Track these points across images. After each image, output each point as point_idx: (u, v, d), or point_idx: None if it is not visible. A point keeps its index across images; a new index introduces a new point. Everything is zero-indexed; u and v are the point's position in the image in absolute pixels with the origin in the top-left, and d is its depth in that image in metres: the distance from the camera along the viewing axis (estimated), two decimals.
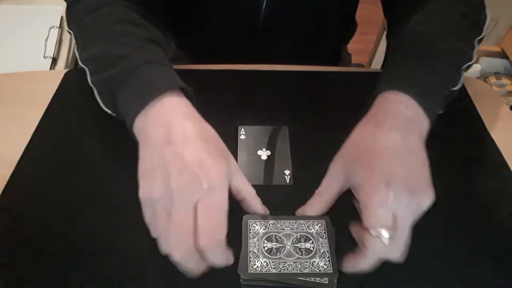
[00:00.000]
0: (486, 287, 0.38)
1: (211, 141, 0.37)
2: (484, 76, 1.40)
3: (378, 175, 0.35)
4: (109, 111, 0.44)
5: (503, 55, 1.40)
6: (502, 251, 0.41)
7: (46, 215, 0.42)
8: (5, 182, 0.44)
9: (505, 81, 1.37)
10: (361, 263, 0.35)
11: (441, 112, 0.44)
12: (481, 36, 0.49)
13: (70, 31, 0.50)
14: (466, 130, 0.45)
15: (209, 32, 0.68)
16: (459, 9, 0.48)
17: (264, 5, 0.61)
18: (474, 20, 0.49)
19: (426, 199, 0.34)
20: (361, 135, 0.40)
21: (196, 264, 0.33)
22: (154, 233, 0.34)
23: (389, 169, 0.35)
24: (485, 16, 0.50)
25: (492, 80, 1.38)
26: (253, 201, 0.39)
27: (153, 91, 0.38)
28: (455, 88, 0.46)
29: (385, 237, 0.33)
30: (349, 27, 0.76)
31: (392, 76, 0.43)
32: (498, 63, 1.42)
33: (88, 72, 0.45)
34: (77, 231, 0.41)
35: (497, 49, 1.41)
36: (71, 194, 0.44)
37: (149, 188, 0.33)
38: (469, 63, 0.47)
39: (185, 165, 0.33)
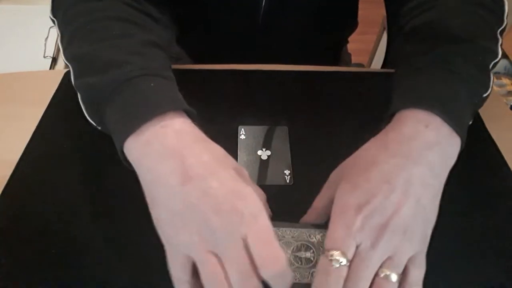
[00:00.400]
0: (487, 286, 0.38)
1: (228, 163, 0.33)
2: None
3: (356, 198, 0.30)
4: (94, 124, 0.38)
5: (503, 55, 1.40)
6: (502, 251, 0.40)
7: (46, 215, 0.42)
8: (5, 182, 0.44)
9: (505, 81, 1.37)
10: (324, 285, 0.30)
11: (470, 123, 0.37)
12: (503, 26, 0.42)
13: (53, 18, 0.43)
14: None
15: (208, 29, 0.68)
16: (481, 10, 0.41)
17: (264, 0, 0.61)
18: (492, 8, 0.42)
19: (398, 251, 0.29)
20: (364, 151, 0.36)
21: None
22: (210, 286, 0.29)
23: (371, 196, 0.30)
24: (503, 2, 0.43)
25: None
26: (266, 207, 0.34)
27: (150, 110, 0.32)
28: (485, 94, 0.39)
29: (339, 263, 0.28)
30: (349, 23, 0.75)
31: (408, 90, 0.36)
32: (498, 63, 1.42)
33: (72, 72, 0.38)
34: (77, 231, 0.40)
35: None
36: (71, 194, 0.44)
37: (182, 237, 0.29)
38: (496, 60, 0.40)
39: (218, 201, 0.29)
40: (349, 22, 0.75)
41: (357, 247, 0.29)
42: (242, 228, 0.28)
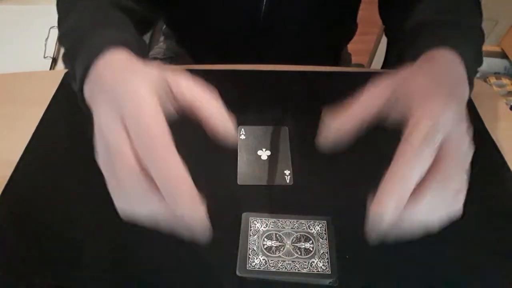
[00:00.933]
0: (487, 286, 0.38)
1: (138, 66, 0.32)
2: (484, 76, 1.40)
3: (436, 98, 0.29)
4: (74, 88, 0.39)
5: (503, 55, 1.40)
6: (502, 251, 0.40)
7: (46, 215, 0.42)
8: (5, 182, 0.44)
9: (505, 81, 1.38)
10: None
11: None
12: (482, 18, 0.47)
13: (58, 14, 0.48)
14: None
15: (208, 28, 0.68)
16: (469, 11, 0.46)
17: (264, 1, 0.61)
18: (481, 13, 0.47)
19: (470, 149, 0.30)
20: (413, 72, 0.34)
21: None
22: (110, 180, 0.29)
23: (448, 98, 0.30)
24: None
25: (492, 80, 1.38)
26: (207, 105, 0.32)
27: (93, 55, 0.34)
28: (479, 68, 0.43)
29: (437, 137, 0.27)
30: (349, 25, 0.75)
31: (441, 37, 0.37)
32: (498, 63, 1.43)
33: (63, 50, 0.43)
34: (77, 231, 0.41)
35: (497, 49, 1.41)
36: (71, 194, 0.44)
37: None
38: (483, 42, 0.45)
39: (104, 92, 0.30)
40: (349, 25, 0.75)
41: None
42: (116, 109, 0.28)
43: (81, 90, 0.35)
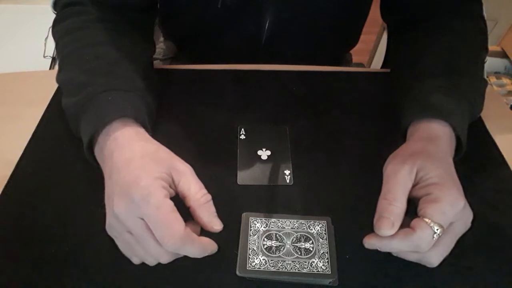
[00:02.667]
0: (486, 286, 0.38)
1: (149, 155, 0.36)
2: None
3: (452, 182, 0.36)
4: (77, 136, 0.44)
5: (503, 55, 1.40)
6: (501, 251, 0.40)
7: (46, 215, 0.42)
8: (5, 182, 0.44)
9: (505, 81, 1.38)
10: (396, 243, 0.34)
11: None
12: (486, 58, 0.52)
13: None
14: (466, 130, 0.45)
15: (210, 48, 0.68)
16: (473, 35, 0.51)
17: (267, 24, 0.61)
18: (483, 44, 0.52)
19: (469, 226, 0.36)
20: (417, 146, 0.40)
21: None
22: (134, 259, 0.36)
23: (458, 182, 0.37)
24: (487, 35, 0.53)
25: (492, 80, 1.38)
26: (199, 210, 0.35)
27: (100, 122, 0.39)
28: (479, 115, 0.49)
29: (437, 233, 0.33)
30: (350, 42, 0.76)
31: (431, 105, 0.43)
32: (498, 63, 1.42)
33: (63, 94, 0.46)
34: (76, 231, 0.41)
35: (497, 49, 1.41)
36: (71, 194, 0.44)
37: (107, 220, 0.35)
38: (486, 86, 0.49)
39: (121, 188, 0.34)
40: (352, 39, 0.75)
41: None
42: (136, 212, 0.33)
43: (88, 149, 0.40)
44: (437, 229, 0.33)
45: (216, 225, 0.35)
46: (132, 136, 0.39)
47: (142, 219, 0.33)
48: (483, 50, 0.51)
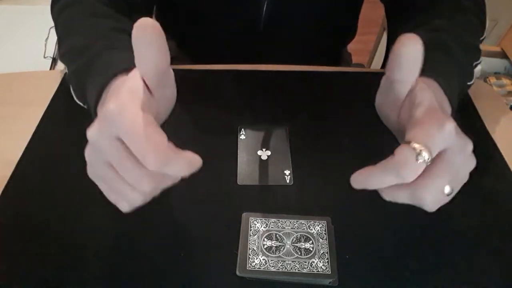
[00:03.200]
0: (487, 286, 0.38)
1: (126, 89, 0.31)
2: (484, 76, 1.40)
3: (441, 109, 0.32)
4: (81, 104, 0.43)
5: (503, 55, 1.40)
6: (501, 251, 0.41)
7: (46, 215, 0.42)
8: (5, 182, 0.44)
9: (505, 81, 1.38)
10: (378, 173, 0.29)
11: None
12: (483, 37, 0.50)
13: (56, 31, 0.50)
14: (466, 130, 0.45)
15: (209, 34, 0.68)
16: (471, 8, 0.50)
17: (265, 6, 0.61)
18: (482, 19, 0.50)
19: (472, 164, 0.33)
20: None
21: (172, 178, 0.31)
22: (120, 203, 0.31)
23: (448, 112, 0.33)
24: (486, 17, 0.51)
25: (492, 80, 1.38)
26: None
27: (106, 77, 0.36)
28: (469, 83, 0.46)
29: (422, 156, 0.28)
30: (350, 29, 0.76)
31: (431, 66, 0.38)
32: (498, 63, 1.42)
33: (66, 67, 0.45)
34: (76, 231, 0.41)
35: (497, 49, 1.41)
36: (71, 194, 0.44)
37: (85, 153, 0.31)
38: (478, 62, 0.48)
39: (99, 112, 0.32)
40: (349, 29, 0.75)
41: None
42: (111, 129, 0.28)
43: (95, 112, 0.37)
44: (420, 150, 0.28)
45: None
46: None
47: (118, 138, 0.28)
48: (480, 23, 0.50)
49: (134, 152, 0.27)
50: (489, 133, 0.52)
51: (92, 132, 0.29)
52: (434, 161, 0.29)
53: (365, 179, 0.31)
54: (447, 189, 0.30)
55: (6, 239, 0.40)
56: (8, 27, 0.89)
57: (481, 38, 0.50)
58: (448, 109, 0.37)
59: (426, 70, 0.35)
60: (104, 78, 0.36)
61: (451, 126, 0.29)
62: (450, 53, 0.42)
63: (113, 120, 0.28)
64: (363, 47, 1.19)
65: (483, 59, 0.51)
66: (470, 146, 0.31)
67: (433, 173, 0.29)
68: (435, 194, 0.30)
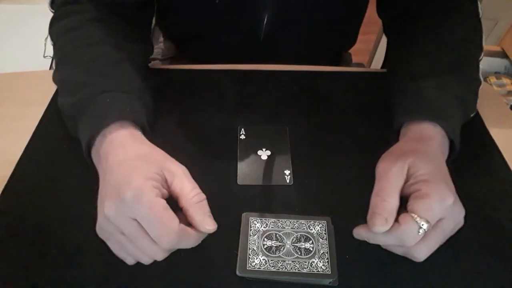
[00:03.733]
0: (486, 287, 0.38)
1: (143, 156, 0.36)
2: (484, 76, 1.40)
3: (442, 179, 0.36)
4: (74, 135, 0.44)
5: (503, 55, 1.40)
6: (502, 251, 0.40)
7: (46, 215, 0.42)
8: (5, 182, 0.44)
9: (505, 81, 1.37)
10: (382, 236, 0.34)
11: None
12: (481, 57, 0.51)
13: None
14: (466, 130, 0.45)
15: (209, 43, 0.68)
16: (467, 34, 0.51)
17: (265, 20, 0.61)
18: (478, 43, 0.51)
19: (461, 225, 0.36)
20: (408, 145, 0.40)
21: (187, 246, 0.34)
22: (128, 259, 0.35)
23: (449, 180, 0.36)
24: (482, 34, 0.53)
25: (492, 80, 1.38)
26: (192, 209, 0.34)
27: (99, 124, 0.39)
28: (472, 115, 0.49)
29: (423, 228, 0.33)
30: (350, 39, 0.76)
31: (422, 106, 0.44)
32: (498, 63, 1.42)
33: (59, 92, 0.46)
34: (76, 231, 0.41)
35: (497, 49, 1.41)
36: (71, 194, 0.44)
37: (98, 221, 0.35)
38: (480, 58, 0.50)
39: (112, 188, 0.34)
40: (350, 37, 0.76)
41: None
42: (127, 212, 0.32)
43: (87, 151, 0.40)
44: (422, 224, 0.33)
45: (209, 224, 0.34)
46: (127, 138, 0.39)
47: (135, 219, 0.32)
48: (478, 49, 0.51)
49: (150, 234, 0.32)
50: (489, 133, 0.52)
51: (109, 212, 0.33)
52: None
53: (368, 236, 0.35)
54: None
55: (6, 239, 0.40)
56: (8, 27, 0.89)
57: (480, 59, 0.51)
58: (446, 154, 0.42)
59: (432, 116, 0.42)
60: (96, 126, 0.39)
61: (450, 200, 0.34)
62: (453, 93, 0.45)
63: (132, 207, 0.32)
64: (363, 47, 1.19)
65: (483, 59, 0.51)
66: (463, 213, 0.36)
67: (427, 239, 0.34)
68: (427, 253, 0.35)
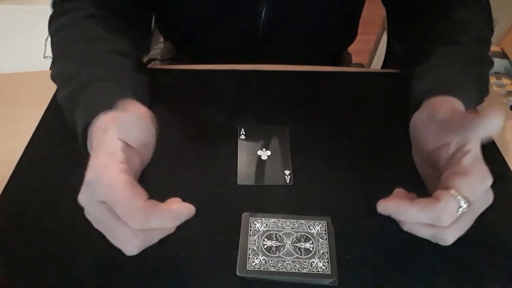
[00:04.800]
0: (486, 286, 0.38)
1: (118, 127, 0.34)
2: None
3: (484, 165, 0.33)
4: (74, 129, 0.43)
5: (503, 55, 1.40)
6: (501, 251, 0.40)
7: (46, 215, 0.42)
8: (5, 182, 0.44)
9: (505, 81, 1.38)
10: (415, 211, 0.32)
11: None
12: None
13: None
14: None
15: (207, 40, 0.68)
16: (483, 18, 0.51)
17: (263, 14, 0.61)
18: (489, 25, 0.51)
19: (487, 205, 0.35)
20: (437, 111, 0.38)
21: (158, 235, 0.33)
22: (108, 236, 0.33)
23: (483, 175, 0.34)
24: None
25: (492, 80, 1.38)
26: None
27: (89, 115, 0.37)
28: (485, 98, 0.47)
29: (463, 207, 0.31)
30: (349, 35, 0.76)
31: (444, 82, 0.42)
32: (498, 63, 1.43)
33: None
34: (76, 231, 0.40)
35: (497, 49, 1.41)
36: (71, 194, 0.44)
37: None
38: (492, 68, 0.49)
39: (86, 173, 0.32)
40: (349, 35, 0.76)
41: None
42: (94, 195, 0.30)
43: (83, 145, 0.38)
44: (463, 203, 0.31)
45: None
46: (112, 121, 0.36)
47: (103, 202, 0.30)
48: (489, 29, 0.50)
49: (118, 214, 0.30)
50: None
51: (81, 198, 0.31)
52: None
53: (396, 209, 0.33)
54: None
55: (6, 239, 0.40)
56: (8, 27, 0.89)
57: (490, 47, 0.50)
58: None
59: (455, 91, 0.39)
60: (87, 117, 0.37)
61: (490, 181, 0.32)
62: (474, 72, 0.44)
63: (95, 189, 0.30)
64: (363, 47, 1.19)
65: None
66: (491, 198, 0.34)
67: (461, 220, 0.32)
68: (456, 237, 0.33)
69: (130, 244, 0.32)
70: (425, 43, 0.49)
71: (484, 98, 0.46)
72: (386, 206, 0.33)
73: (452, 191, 0.31)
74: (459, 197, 0.31)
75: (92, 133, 0.36)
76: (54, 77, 0.46)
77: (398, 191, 0.34)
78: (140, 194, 0.30)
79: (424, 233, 0.33)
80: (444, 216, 0.31)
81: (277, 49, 0.67)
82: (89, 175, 0.31)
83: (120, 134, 0.33)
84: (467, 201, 0.31)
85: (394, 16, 0.62)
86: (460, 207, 0.31)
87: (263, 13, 0.61)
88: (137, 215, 0.29)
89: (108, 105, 0.37)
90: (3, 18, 0.91)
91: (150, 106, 0.48)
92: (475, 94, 0.43)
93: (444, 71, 0.43)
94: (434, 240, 0.33)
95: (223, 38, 0.66)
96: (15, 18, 0.91)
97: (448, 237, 0.32)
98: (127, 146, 0.33)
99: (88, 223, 0.41)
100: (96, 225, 0.33)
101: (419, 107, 0.40)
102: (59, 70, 0.45)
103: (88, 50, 0.45)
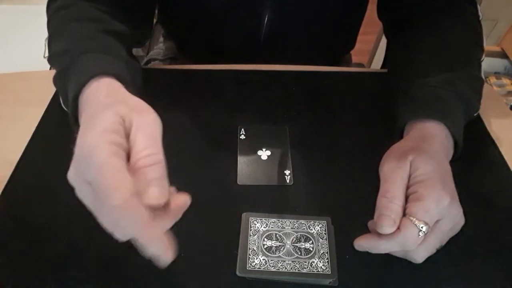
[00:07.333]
0: (486, 286, 0.38)
1: (108, 105, 0.31)
2: (484, 76, 1.40)
3: (439, 179, 0.35)
4: (67, 110, 0.41)
5: (503, 55, 1.40)
6: (501, 251, 0.40)
7: (46, 215, 0.42)
8: (5, 182, 0.44)
9: (505, 81, 1.38)
10: (384, 244, 0.34)
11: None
12: (483, 58, 0.51)
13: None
14: (466, 130, 0.45)
15: (210, 44, 0.68)
16: (468, 34, 0.51)
17: (265, 20, 0.61)
18: (479, 43, 0.51)
19: (461, 224, 0.36)
20: (410, 144, 0.40)
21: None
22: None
23: (448, 180, 0.36)
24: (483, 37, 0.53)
25: (492, 80, 1.38)
26: (137, 174, 0.28)
27: (79, 83, 0.36)
28: (476, 114, 0.49)
29: (423, 231, 0.33)
30: (349, 41, 0.76)
31: (425, 105, 0.44)
32: (498, 63, 1.43)
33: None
34: (77, 231, 0.41)
35: (497, 49, 1.41)
36: (71, 194, 0.44)
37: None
38: (482, 59, 0.50)
39: (76, 147, 0.30)
40: (349, 40, 0.76)
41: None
42: (82, 175, 0.29)
43: (73, 116, 0.37)
44: (422, 227, 0.33)
45: (152, 195, 0.27)
46: (102, 88, 0.35)
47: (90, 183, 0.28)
48: (478, 48, 0.51)
49: (100, 199, 0.27)
50: (489, 133, 0.52)
51: (69, 175, 0.30)
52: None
53: (371, 247, 0.35)
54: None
55: (6, 239, 0.40)
56: (8, 27, 0.89)
57: (482, 59, 0.51)
58: (450, 154, 0.41)
59: (436, 114, 0.41)
60: (77, 85, 0.36)
61: (446, 201, 0.34)
62: (457, 92, 0.45)
63: (84, 168, 0.28)
64: (363, 47, 1.19)
65: (483, 59, 0.51)
66: (460, 213, 0.36)
67: (426, 241, 0.34)
68: (426, 255, 0.35)
69: (116, 231, 0.29)
70: (413, 56, 0.51)
71: (474, 115, 0.48)
72: (361, 245, 0.36)
73: (411, 218, 0.33)
74: (416, 222, 0.33)
75: (82, 101, 0.34)
76: (49, 58, 0.46)
77: (372, 221, 0.36)
78: (127, 186, 0.26)
79: (397, 254, 0.36)
80: (408, 242, 0.33)
81: (279, 52, 0.67)
82: (79, 152, 0.28)
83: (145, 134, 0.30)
84: (425, 223, 0.33)
85: (390, 31, 0.62)
86: (420, 230, 0.33)
87: (265, 20, 0.61)
88: (115, 206, 0.26)
89: (101, 71, 0.36)
90: (3, 18, 0.91)
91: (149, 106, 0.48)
92: (462, 114, 0.44)
93: (428, 93, 0.45)
94: (407, 259, 0.36)
95: (225, 41, 0.66)
96: (15, 18, 0.91)
97: (417, 256, 0.35)
98: (124, 129, 0.30)
99: (88, 223, 0.41)
100: (86, 204, 0.30)
101: (401, 134, 0.44)
102: (54, 49, 0.45)
103: (84, 29, 0.44)
